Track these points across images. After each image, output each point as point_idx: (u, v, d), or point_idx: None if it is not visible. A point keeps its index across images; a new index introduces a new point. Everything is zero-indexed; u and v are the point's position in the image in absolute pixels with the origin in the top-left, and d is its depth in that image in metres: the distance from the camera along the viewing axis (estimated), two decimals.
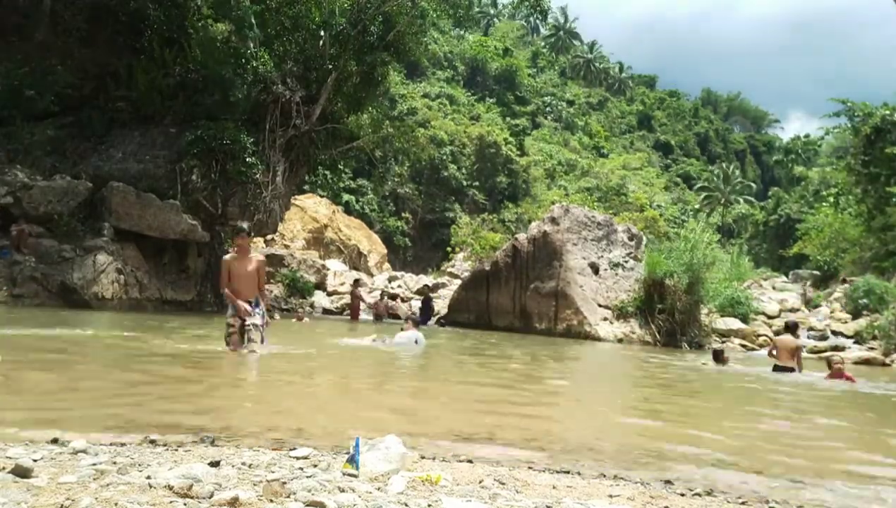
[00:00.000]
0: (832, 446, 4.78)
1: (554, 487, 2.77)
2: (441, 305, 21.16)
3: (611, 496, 2.72)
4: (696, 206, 57.69)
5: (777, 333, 18.03)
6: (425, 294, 20.10)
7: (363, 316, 18.16)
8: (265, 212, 17.25)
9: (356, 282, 19.23)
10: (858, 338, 17.30)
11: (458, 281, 23.40)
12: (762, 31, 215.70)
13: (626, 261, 17.62)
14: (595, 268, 17.00)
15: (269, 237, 25.23)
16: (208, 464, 2.52)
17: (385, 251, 34.59)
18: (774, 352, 10.64)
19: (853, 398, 8.37)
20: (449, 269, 31.87)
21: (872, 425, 6.17)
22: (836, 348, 16.13)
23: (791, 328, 11.29)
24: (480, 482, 2.70)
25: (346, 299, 21.40)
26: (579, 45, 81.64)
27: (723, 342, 16.60)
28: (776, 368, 10.22)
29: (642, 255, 17.89)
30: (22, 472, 2.23)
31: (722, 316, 17.64)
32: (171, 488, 2.13)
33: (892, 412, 7.72)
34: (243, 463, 2.64)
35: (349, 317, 17.98)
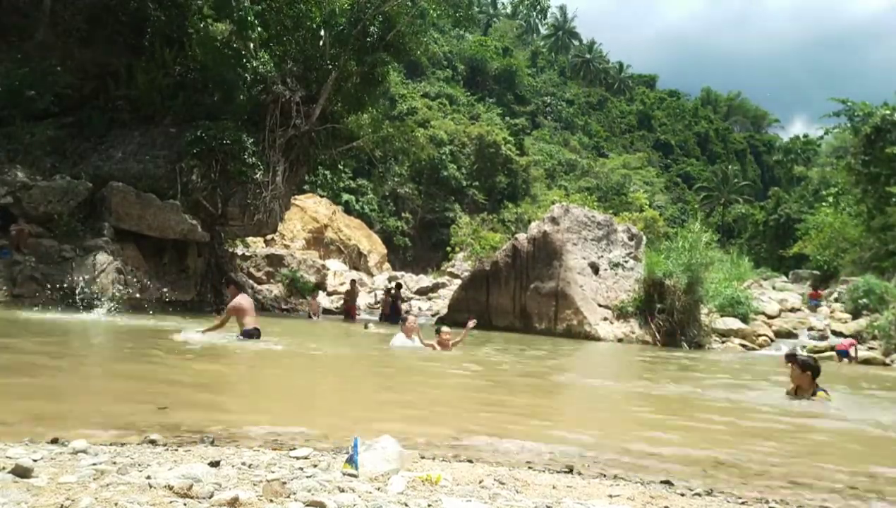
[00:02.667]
0: None
1: (554, 487, 2.77)
2: (441, 305, 21.17)
3: (611, 496, 2.72)
4: (696, 206, 57.69)
5: (778, 334, 18.07)
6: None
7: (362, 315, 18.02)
8: (265, 212, 17.24)
9: (353, 282, 19.12)
10: (858, 338, 17.29)
11: (458, 281, 23.41)
12: (773, 46, 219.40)
13: (626, 261, 17.62)
14: (595, 268, 17.00)
15: (269, 237, 25.25)
16: (208, 464, 2.52)
17: (385, 251, 34.61)
18: None
19: None
20: (449, 269, 31.89)
21: None
22: (836, 348, 16.13)
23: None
24: (480, 482, 2.70)
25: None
26: (578, 44, 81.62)
27: (723, 342, 16.61)
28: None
29: (642, 255, 17.89)
30: (22, 472, 2.22)
31: (722, 315, 17.63)
32: (171, 488, 2.13)
33: None
34: (243, 463, 2.64)
35: (343, 318, 17.79)
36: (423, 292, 26.69)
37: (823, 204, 36.59)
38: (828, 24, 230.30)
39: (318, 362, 8.39)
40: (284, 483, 2.28)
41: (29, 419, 3.58)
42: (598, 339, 15.36)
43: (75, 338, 8.46)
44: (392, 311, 17.15)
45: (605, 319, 16.13)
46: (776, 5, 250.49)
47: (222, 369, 6.84)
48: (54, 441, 2.96)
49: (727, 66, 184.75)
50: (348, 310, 17.79)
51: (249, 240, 23.90)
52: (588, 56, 79.05)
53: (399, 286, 19.89)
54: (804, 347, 16.58)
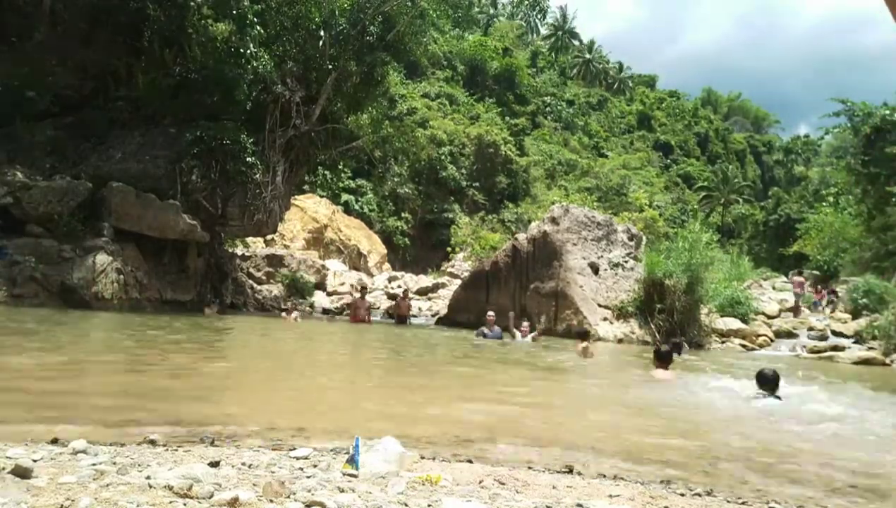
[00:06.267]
0: None
1: (554, 487, 2.77)
2: (441, 305, 21.18)
3: (611, 496, 2.72)
4: (696, 206, 57.70)
5: (777, 334, 18.07)
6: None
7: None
8: (265, 212, 17.24)
9: (363, 290, 18.95)
10: (858, 338, 17.29)
11: (458, 282, 23.40)
12: (786, 64, 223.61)
13: (626, 261, 17.61)
14: (595, 268, 16.99)
15: (269, 237, 25.26)
16: (208, 464, 2.52)
17: (385, 251, 34.60)
18: None
19: None
20: (449, 269, 31.88)
21: None
22: (835, 348, 16.14)
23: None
24: (480, 482, 2.70)
25: (346, 299, 21.38)
26: (579, 44, 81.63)
27: (723, 342, 16.60)
28: None
29: (642, 255, 17.89)
30: (22, 472, 2.22)
31: (722, 316, 17.61)
32: (171, 488, 2.13)
33: None
34: (243, 463, 2.64)
35: (349, 319, 17.63)
36: (423, 292, 26.68)
37: (823, 204, 36.57)
38: (846, 45, 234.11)
39: None
40: (284, 483, 2.28)
41: (28, 419, 3.58)
42: (598, 339, 15.34)
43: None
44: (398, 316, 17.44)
45: (605, 319, 16.12)
46: (796, 27, 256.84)
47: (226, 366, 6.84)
48: (54, 441, 2.96)
49: (744, 82, 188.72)
50: (355, 314, 16.89)
51: (249, 240, 23.91)
52: (588, 56, 79.03)
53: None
54: (804, 347, 16.59)
